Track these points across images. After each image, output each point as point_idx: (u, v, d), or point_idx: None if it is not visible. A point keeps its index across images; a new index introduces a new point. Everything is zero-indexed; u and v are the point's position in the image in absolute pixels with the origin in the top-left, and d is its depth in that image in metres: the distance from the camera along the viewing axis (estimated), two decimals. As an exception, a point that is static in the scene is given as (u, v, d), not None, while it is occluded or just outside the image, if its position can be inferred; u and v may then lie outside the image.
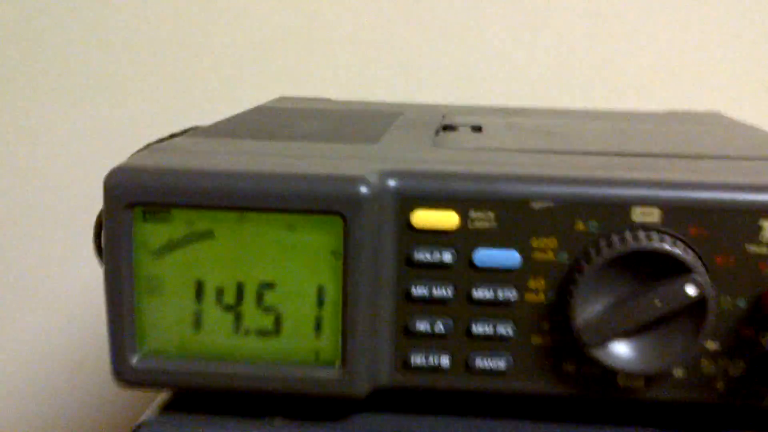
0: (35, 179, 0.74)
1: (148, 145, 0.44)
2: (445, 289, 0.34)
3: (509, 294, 0.34)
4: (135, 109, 0.71)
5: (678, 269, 0.32)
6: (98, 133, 0.72)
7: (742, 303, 0.33)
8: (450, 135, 0.44)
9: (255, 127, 0.45)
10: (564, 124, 0.50)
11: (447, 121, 0.49)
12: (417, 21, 0.68)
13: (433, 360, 0.34)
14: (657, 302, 0.32)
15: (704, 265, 0.33)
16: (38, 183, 0.74)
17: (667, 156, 0.39)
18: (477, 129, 0.46)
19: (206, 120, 0.62)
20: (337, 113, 0.52)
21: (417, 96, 0.67)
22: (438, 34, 0.68)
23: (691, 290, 0.32)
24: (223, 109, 0.68)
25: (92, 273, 0.71)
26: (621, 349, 0.33)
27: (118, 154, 0.69)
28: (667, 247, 0.32)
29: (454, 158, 0.37)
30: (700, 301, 0.32)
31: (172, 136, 0.46)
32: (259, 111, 0.52)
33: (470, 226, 0.34)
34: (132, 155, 0.40)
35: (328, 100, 0.60)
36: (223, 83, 0.70)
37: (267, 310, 0.34)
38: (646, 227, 0.33)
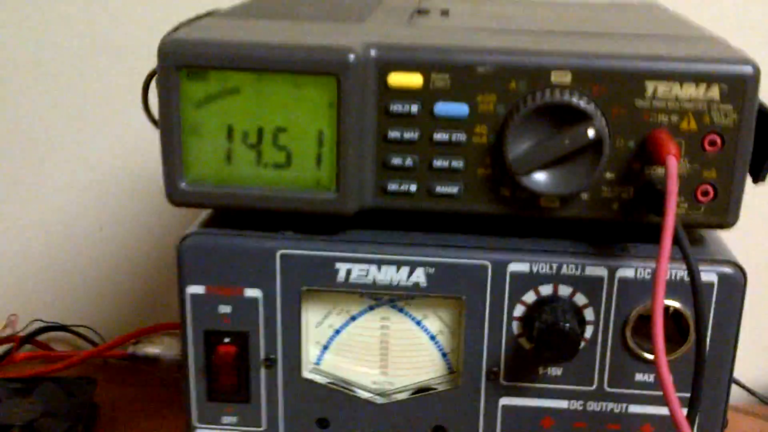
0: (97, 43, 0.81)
1: (178, 26, 0.54)
2: (413, 133, 0.45)
3: (460, 137, 0.45)
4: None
5: (582, 117, 0.43)
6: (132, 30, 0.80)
7: (632, 144, 0.45)
8: (422, 18, 0.55)
9: (266, 9, 0.56)
10: (519, 9, 0.60)
11: (421, 6, 0.59)
12: None
13: (404, 187, 0.46)
14: (566, 142, 0.44)
15: (603, 115, 0.44)
16: (99, 44, 0.81)
17: (584, 34, 0.50)
18: (445, 13, 0.57)
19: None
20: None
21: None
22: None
23: (591, 133, 0.43)
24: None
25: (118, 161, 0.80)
26: (541, 177, 0.44)
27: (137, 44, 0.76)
28: (574, 100, 0.43)
29: (422, 34, 0.48)
30: (598, 141, 0.43)
31: (189, 21, 0.56)
32: (264, -2, 0.62)
33: (431, 86, 0.45)
34: (173, 30, 0.51)
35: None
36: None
37: (280, 148, 0.45)
38: (561, 86, 0.44)
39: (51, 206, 0.86)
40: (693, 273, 0.42)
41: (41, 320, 0.86)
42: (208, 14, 0.57)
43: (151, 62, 0.46)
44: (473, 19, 0.55)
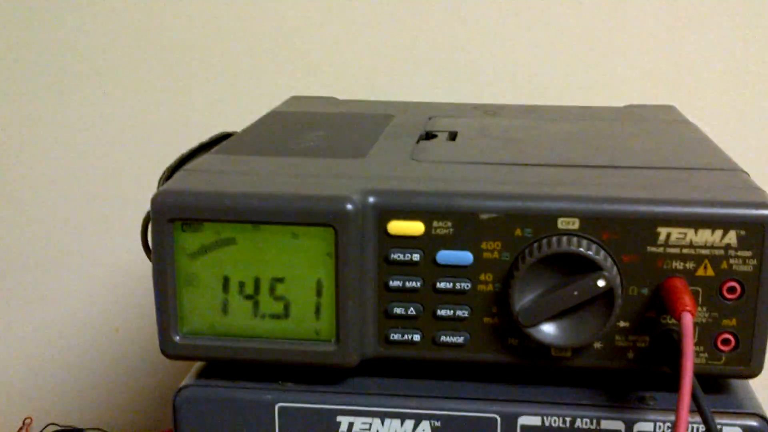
0: (94, 170, 0.82)
1: (181, 158, 0.53)
2: (415, 282, 0.43)
3: (465, 285, 0.43)
4: (165, 105, 0.79)
5: (592, 267, 0.41)
6: (132, 135, 0.81)
7: (645, 291, 0.42)
8: (428, 145, 0.53)
9: (268, 140, 0.54)
10: (529, 126, 0.58)
11: (429, 127, 0.58)
12: (410, 25, 0.76)
13: (407, 336, 0.44)
14: (576, 293, 0.42)
15: (614, 262, 0.42)
16: (95, 174, 0.82)
17: (596, 167, 0.48)
18: (453, 137, 0.55)
19: (232, 118, 0.71)
20: (337, 118, 0.61)
21: (410, 92, 0.76)
22: (426, 38, 0.76)
23: (601, 283, 0.41)
24: (246, 105, 0.77)
25: (134, 257, 0.80)
26: (550, 329, 0.42)
27: (152, 152, 0.78)
28: (582, 249, 0.41)
29: (425, 174, 0.47)
30: (609, 292, 0.41)
31: (201, 146, 0.55)
32: (273, 117, 0.61)
33: (433, 233, 0.43)
34: (168, 173, 0.50)
35: (334, 99, 0.69)
36: (244, 79, 0.78)
37: (278, 298, 0.44)
38: (569, 233, 0.42)
39: (66, 309, 0.86)
40: (713, 436, 0.39)
41: (56, 424, 0.85)
42: (212, 141, 0.56)
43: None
44: (481, 145, 0.54)
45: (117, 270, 0.84)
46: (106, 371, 0.88)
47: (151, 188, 0.52)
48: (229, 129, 0.59)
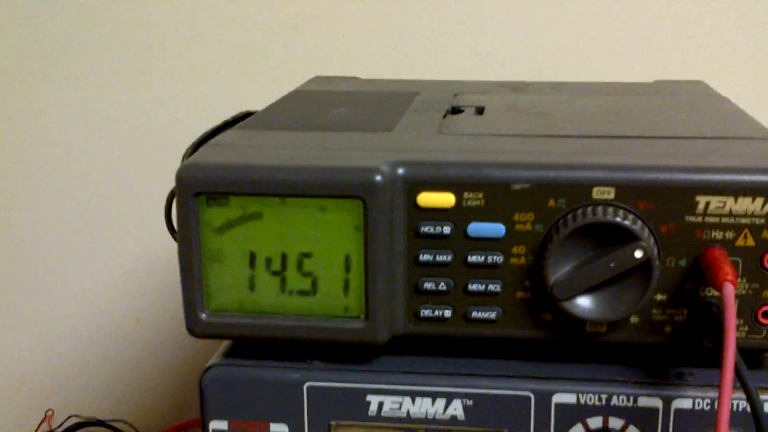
0: (115, 158, 0.82)
1: (203, 136, 0.52)
2: (446, 255, 0.42)
3: (497, 258, 0.42)
4: (188, 86, 0.79)
5: (629, 237, 0.40)
6: (159, 111, 0.80)
7: (683, 262, 0.41)
8: (455, 119, 0.52)
9: (292, 116, 0.53)
10: (557, 101, 0.57)
11: (456, 102, 0.57)
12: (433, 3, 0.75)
13: (438, 312, 0.43)
14: (612, 264, 0.40)
15: (651, 232, 0.41)
16: (116, 163, 0.82)
17: (630, 137, 0.46)
18: (480, 111, 0.54)
19: (255, 98, 0.70)
20: (361, 96, 0.60)
21: (437, 70, 0.75)
22: (450, 16, 0.75)
23: (638, 254, 0.40)
24: (269, 85, 0.76)
25: (155, 246, 0.80)
26: (585, 302, 0.41)
27: (179, 130, 0.77)
28: (619, 219, 0.40)
29: (454, 145, 0.45)
30: (646, 263, 0.40)
31: (224, 124, 0.54)
32: (296, 96, 0.60)
33: (464, 205, 0.42)
34: (191, 151, 0.49)
35: (357, 79, 0.68)
36: (266, 60, 0.78)
37: (306, 274, 0.43)
38: (604, 203, 0.41)
39: (87, 300, 0.86)
40: (756, 410, 0.38)
41: (77, 416, 0.84)
42: (235, 119, 0.55)
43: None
44: (509, 119, 0.52)
45: (137, 260, 0.84)
46: (128, 362, 0.87)
47: (172, 174, 0.52)
48: (251, 109, 0.58)
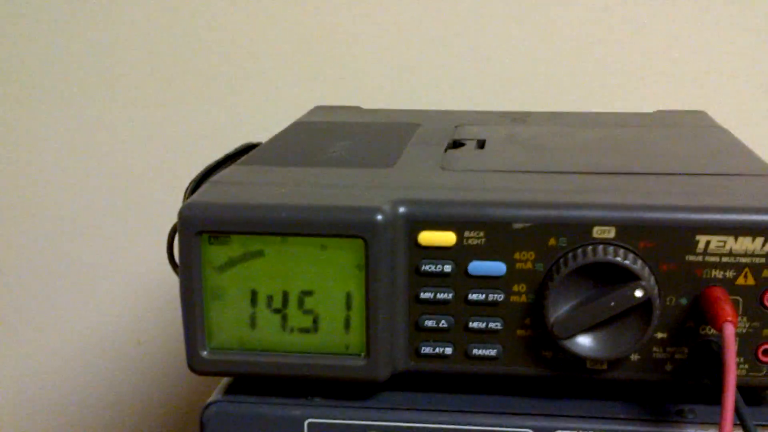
0: (119, 181, 0.82)
1: (207, 169, 0.53)
2: (447, 294, 0.42)
3: (498, 296, 0.42)
4: (190, 117, 0.79)
5: (629, 277, 0.40)
6: (158, 143, 0.80)
7: (684, 301, 0.41)
8: (456, 154, 0.52)
9: (294, 150, 0.54)
10: (558, 133, 0.57)
11: (457, 135, 0.57)
12: (434, 33, 0.76)
13: (439, 350, 0.43)
14: (612, 303, 0.40)
15: (652, 271, 0.41)
16: (120, 185, 0.82)
17: (630, 174, 0.47)
18: (481, 144, 0.54)
19: (256, 128, 0.71)
20: (363, 128, 0.60)
21: (438, 99, 0.75)
22: (451, 46, 0.76)
23: (639, 293, 0.40)
24: (270, 114, 0.77)
25: (157, 269, 0.80)
26: (586, 341, 0.41)
27: (178, 164, 0.78)
28: (619, 259, 0.40)
29: (455, 183, 0.46)
30: (647, 302, 0.40)
31: (227, 157, 0.55)
32: (297, 128, 0.61)
33: (465, 243, 0.42)
34: (194, 185, 0.49)
35: (359, 109, 0.69)
36: (268, 89, 0.78)
37: (307, 312, 0.43)
38: (604, 242, 0.41)
39: (89, 321, 0.86)
40: (758, 452, 0.38)
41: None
42: (238, 152, 0.56)
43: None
44: (510, 153, 0.53)
45: (140, 282, 0.84)
46: (129, 384, 0.87)
47: (176, 199, 0.52)
48: (253, 139, 0.58)
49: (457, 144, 0.55)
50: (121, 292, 0.85)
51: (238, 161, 0.51)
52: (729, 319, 0.39)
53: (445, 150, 0.53)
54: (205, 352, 0.44)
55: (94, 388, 0.88)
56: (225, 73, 0.78)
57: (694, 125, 0.60)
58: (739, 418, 0.38)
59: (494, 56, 0.75)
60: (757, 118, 0.73)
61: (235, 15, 0.77)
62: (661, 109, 0.68)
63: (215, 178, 0.47)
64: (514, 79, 0.75)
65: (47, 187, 0.82)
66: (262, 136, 0.59)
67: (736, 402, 0.38)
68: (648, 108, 0.69)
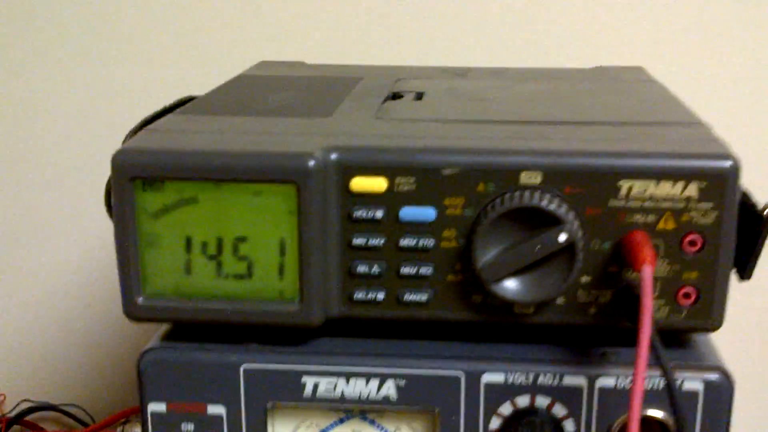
0: (59, 141, 0.82)
1: (144, 120, 0.53)
2: (379, 239, 0.43)
3: (428, 242, 0.43)
4: (134, 72, 0.79)
5: (554, 221, 0.41)
6: (103, 97, 0.80)
7: (607, 246, 0.42)
8: (393, 105, 0.53)
9: (233, 101, 0.54)
10: (496, 86, 0.58)
11: (397, 88, 0.58)
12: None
13: (371, 295, 0.44)
14: (538, 247, 0.41)
15: (577, 216, 0.42)
16: (60, 147, 0.82)
17: (560, 123, 0.47)
18: (419, 96, 0.55)
19: (200, 84, 0.71)
20: (304, 81, 0.61)
21: (382, 55, 0.76)
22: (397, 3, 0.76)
23: (562, 237, 0.41)
24: (215, 71, 0.76)
25: (103, 230, 0.80)
26: (512, 284, 0.42)
27: (123, 116, 0.77)
28: (544, 204, 0.41)
29: (388, 131, 0.46)
30: (570, 246, 0.41)
31: (165, 110, 0.55)
32: (239, 81, 0.61)
33: (396, 189, 0.43)
34: (131, 136, 0.49)
35: (303, 64, 0.69)
36: (212, 45, 0.78)
37: (241, 258, 0.44)
38: (531, 187, 0.42)
39: (37, 285, 0.86)
40: (671, 388, 0.39)
41: (30, 400, 0.84)
42: (176, 104, 0.56)
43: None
44: (446, 104, 0.53)
45: (88, 245, 0.84)
46: (79, 347, 0.87)
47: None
48: (196, 93, 0.58)
49: (396, 96, 0.56)
50: (69, 256, 0.84)
51: (176, 111, 0.51)
52: (648, 261, 0.40)
53: (383, 101, 0.54)
54: (141, 299, 0.44)
55: (44, 350, 0.87)
56: (168, 29, 0.78)
57: (630, 80, 0.61)
58: (656, 357, 0.40)
59: (437, 11, 0.75)
60: (696, 75, 0.75)
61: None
62: (600, 65, 0.69)
63: (151, 126, 0.48)
64: (457, 35, 0.75)
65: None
66: (205, 91, 0.59)
67: (653, 342, 0.39)
68: (589, 63, 0.70)
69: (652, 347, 0.39)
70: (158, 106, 0.58)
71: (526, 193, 0.42)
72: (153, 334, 0.47)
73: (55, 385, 0.87)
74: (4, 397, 0.85)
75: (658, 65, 0.71)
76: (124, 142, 0.52)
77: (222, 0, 0.77)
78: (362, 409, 0.45)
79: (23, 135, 0.81)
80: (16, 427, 0.82)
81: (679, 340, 0.45)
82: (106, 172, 0.53)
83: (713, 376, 0.43)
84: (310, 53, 0.75)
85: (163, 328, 0.47)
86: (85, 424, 0.82)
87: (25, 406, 0.83)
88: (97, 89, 0.79)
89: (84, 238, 0.83)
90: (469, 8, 0.75)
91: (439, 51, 0.75)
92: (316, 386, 0.44)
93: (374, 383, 0.44)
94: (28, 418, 0.83)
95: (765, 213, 0.44)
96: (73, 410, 0.84)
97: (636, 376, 0.38)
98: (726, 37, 0.74)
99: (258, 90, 0.58)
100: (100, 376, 0.87)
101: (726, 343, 0.47)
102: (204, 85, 0.66)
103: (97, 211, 0.79)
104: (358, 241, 0.43)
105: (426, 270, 0.43)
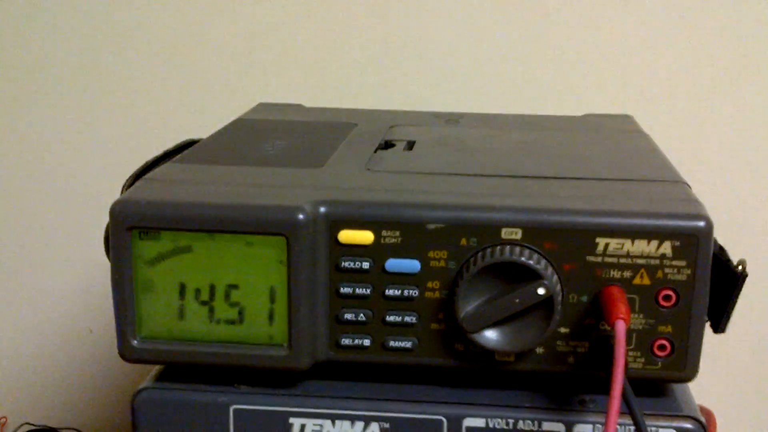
0: (68, 173, 0.84)
1: (145, 165, 0.55)
2: (365, 289, 0.45)
3: (413, 292, 0.45)
4: (132, 116, 0.81)
5: (533, 275, 0.43)
6: (103, 139, 0.82)
7: (585, 299, 0.44)
8: (384, 155, 0.55)
9: (230, 148, 0.56)
10: (484, 136, 0.60)
11: (389, 136, 0.59)
12: (378, 32, 0.78)
13: (357, 341, 0.46)
14: (517, 300, 0.43)
15: (555, 271, 0.44)
16: (69, 177, 0.84)
17: (542, 178, 0.49)
18: (410, 146, 0.57)
19: (200, 123, 0.73)
20: (300, 127, 0.63)
21: (378, 98, 0.78)
22: (393, 46, 0.78)
23: (541, 291, 0.43)
24: (214, 110, 0.79)
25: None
26: (493, 335, 0.44)
27: (122, 156, 0.79)
28: (524, 259, 0.43)
29: (376, 184, 0.48)
30: (549, 299, 0.43)
31: (166, 153, 0.57)
32: (237, 125, 0.63)
33: (382, 242, 0.44)
34: (129, 184, 0.51)
35: (300, 107, 0.71)
36: (212, 85, 0.80)
37: (233, 305, 0.45)
38: (511, 243, 0.44)
39: (41, 310, 0.87)
40: (643, 437, 0.41)
41: (30, 423, 0.86)
42: (177, 148, 0.58)
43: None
44: (435, 155, 0.55)
45: (91, 272, 0.85)
46: (80, 372, 0.89)
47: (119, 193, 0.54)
48: (196, 134, 0.60)
49: (388, 145, 0.57)
50: (72, 281, 0.86)
51: (175, 158, 0.53)
52: (621, 316, 0.42)
53: (375, 150, 0.55)
54: (135, 341, 0.46)
55: (46, 374, 0.89)
56: (169, 69, 0.80)
57: (617, 130, 0.63)
58: (628, 407, 0.41)
59: (432, 58, 0.77)
60: (685, 122, 0.77)
61: (181, 10, 0.79)
62: (589, 112, 0.71)
63: (149, 175, 0.49)
64: (452, 80, 0.77)
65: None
66: (205, 131, 0.61)
67: (626, 392, 0.41)
68: (581, 111, 0.72)
69: (625, 398, 0.41)
70: (161, 144, 0.59)
71: (507, 248, 0.43)
72: (151, 366, 0.49)
73: (56, 409, 0.89)
74: (6, 420, 0.86)
75: (647, 112, 0.73)
76: (124, 186, 0.54)
77: (222, 41, 0.79)
78: (347, 452, 0.47)
79: (34, 161, 0.83)
80: (16, 450, 0.84)
81: (656, 389, 0.47)
82: (109, 201, 0.55)
83: (687, 425, 0.44)
84: (308, 95, 0.77)
85: (157, 367, 0.49)
86: (83, 449, 0.84)
87: (26, 429, 0.85)
88: (98, 130, 0.81)
89: (87, 265, 0.85)
90: (464, 55, 0.77)
91: (434, 96, 0.77)
92: (303, 427, 0.46)
93: (359, 425, 0.46)
94: (29, 441, 0.85)
95: (738, 269, 0.45)
96: (72, 434, 0.85)
97: (608, 424, 0.40)
98: (713, 85, 0.76)
99: (254, 136, 0.60)
100: (100, 401, 0.89)
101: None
102: (204, 125, 0.68)
103: (101, 238, 0.82)
104: (346, 290, 0.45)
105: (411, 318, 0.45)
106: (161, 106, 0.80)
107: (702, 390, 0.50)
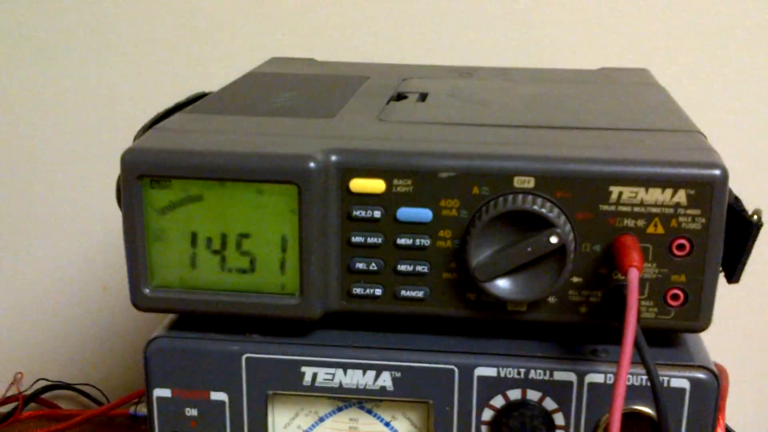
0: (81, 129, 0.84)
1: (156, 117, 0.54)
2: (377, 238, 0.45)
3: (424, 241, 0.45)
4: (146, 69, 0.81)
5: (545, 224, 0.43)
6: (115, 94, 0.82)
7: (598, 248, 0.44)
8: (396, 106, 0.54)
9: (241, 100, 0.56)
10: (498, 88, 0.60)
11: (402, 88, 0.59)
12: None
13: (369, 291, 0.46)
14: (529, 249, 0.43)
15: (568, 220, 0.43)
16: (81, 133, 0.84)
17: (556, 128, 0.49)
18: (423, 98, 0.56)
19: (212, 79, 0.72)
20: (312, 80, 0.62)
21: (392, 51, 0.77)
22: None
23: (554, 240, 0.43)
24: (227, 66, 0.78)
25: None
26: (505, 284, 0.44)
27: (134, 112, 0.79)
28: (536, 207, 0.43)
29: (388, 134, 0.48)
30: (561, 248, 0.43)
31: (177, 106, 0.56)
32: (249, 78, 0.62)
33: (394, 191, 0.44)
34: (140, 135, 0.51)
35: (313, 61, 0.70)
36: (225, 40, 0.79)
37: (244, 253, 0.45)
38: (524, 191, 0.43)
39: (55, 265, 0.88)
40: (654, 385, 0.41)
41: (46, 379, 0.87)
42: (188, 101, 0.57)
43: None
44: (448, 107, 0.55)
45: (104, 228, 0.86)
46: (95, 328, 0.89)
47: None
48: (209, 89, 0.60)
49: (400, 97, 0.57)
50: (86, 238, 0.86)
51: (186, 110, 0.53)
52: (634, 264, 0.41)
53: (388, 102, 0.55)
54: (148, 290, 0.46)
55: (62, 330, 0.90)
56: (181, 24, 0.79)
57: (632, 83, 0.62)
58: (640, 355, 0.41)
59: (447, 11, 0.76)
60: (702, 76, 0.76)
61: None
62: (605, 66, 0.70)
63: (160, 125, 0.49)
64: (465, 35, 0.76)
65: (7, 136, 0.84)
66: (217, 87, 0.60)
67: (638, 341, 0.41)
68: (596, 65, 0.71)
69: (637, 346, 0.41)
70: (170, 101, 0.59)
71: (519, 197, 0.43)
72: (164, 316, 0.49)
73: (71, 365, 0.90)
74: (22, 376, 0.87)
75: (663, 66, 0.72)
76: (136, 137, 0.53)
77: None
78: (359, 399, 0.47)
79: (48, 117, 0.83)
80: (32, 404, 0.85)
81: (669, 339, 0.47)
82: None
83: (699, 375, 0.44)
84: (321, 49, 0.77)
85: (170, 317, 0.49)
86: (99, 404, 0.84)
87: (41, 384, 0.85)
88: (111, 84, 0.81)
89: (102, 222, 0.85)
90: (480, 9, 0.76)
91: (447, 50, 0.76)
92: (314, 376, 0.46)
93: (371, 374, 0.46)
94: (45, 396, 0.85)
95: (753, 219, 0.45)
96: (88, 389, 0.86)
97: (619, 373, 0.40)
98: (730, 39, 0.75)
99: (266, 89, 0.59)
100: (115, 357, 0.90)
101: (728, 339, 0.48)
102: (216, 80, 0.68)
103: (114, 194, 0.82)
104: (357, 239, 0.45)
105: (422, 267, 0.45)
106: (174, 61, 0.80)
107: (715, 347, 0.50)
